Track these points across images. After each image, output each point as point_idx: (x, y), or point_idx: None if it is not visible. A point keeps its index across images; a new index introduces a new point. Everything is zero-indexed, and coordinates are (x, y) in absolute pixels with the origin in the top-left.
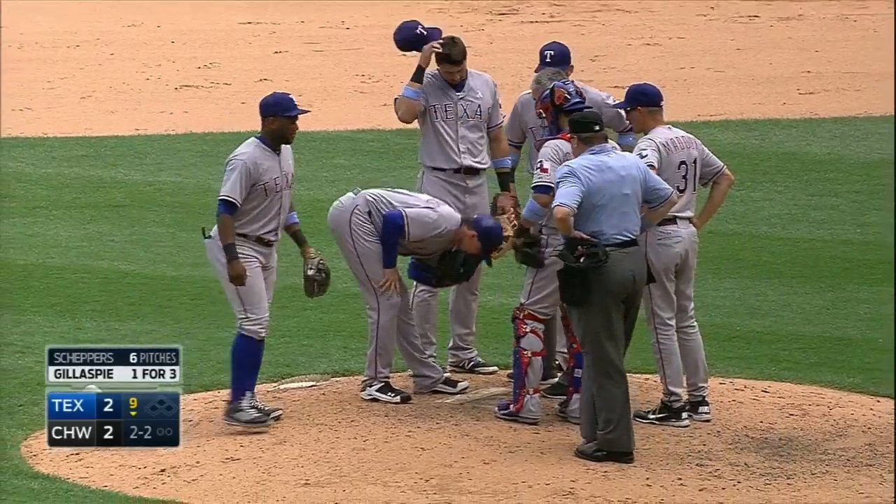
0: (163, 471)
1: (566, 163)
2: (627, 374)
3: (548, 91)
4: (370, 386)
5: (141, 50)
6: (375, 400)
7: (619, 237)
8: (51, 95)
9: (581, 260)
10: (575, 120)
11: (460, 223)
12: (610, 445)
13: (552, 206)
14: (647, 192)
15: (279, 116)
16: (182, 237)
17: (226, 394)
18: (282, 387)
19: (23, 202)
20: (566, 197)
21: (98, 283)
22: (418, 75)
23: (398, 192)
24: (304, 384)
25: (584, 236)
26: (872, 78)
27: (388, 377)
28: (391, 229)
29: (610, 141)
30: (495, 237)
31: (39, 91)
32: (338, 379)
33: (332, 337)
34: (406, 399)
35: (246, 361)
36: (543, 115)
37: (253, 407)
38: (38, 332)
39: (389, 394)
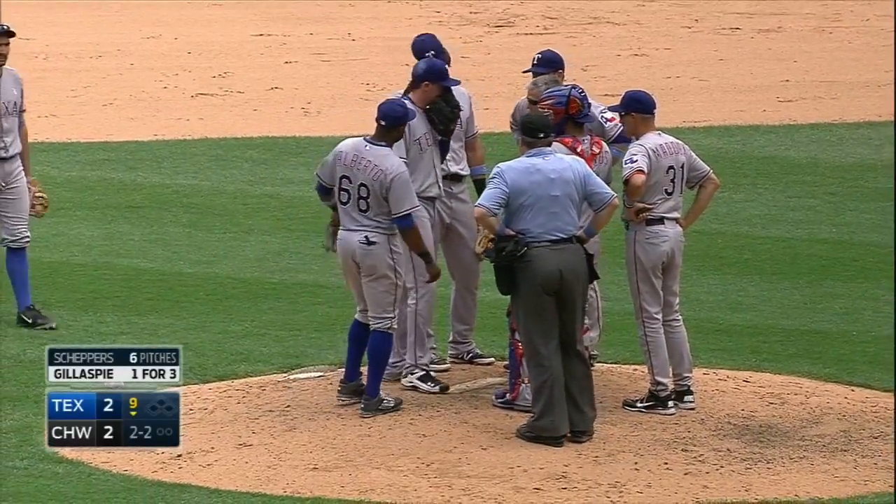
0: (179, 456)
1: (498, 164)
2: (616, 366)
3: (564, 97)
4: (411, 374)
5: (159, 60)
6: (415, 388)
7: (547, 236)
8: (74, 103)
9: (496, 255)
10: (524, 123)
11: (409, 100)
12: (538, 430)
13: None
14: (588, 196)
15: (404, 125)
16: (197, 236)
17: (239, 384)
18: (291, 377)
19: (48, 203)
20: (485, 198)
21: (119, 280)
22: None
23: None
24: (312, 374)
25: (510, 233)
26: (847, 86)
27: (426, 365)
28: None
29: (559, 143)
30: (434, 65)
31: (64, 99)
32: (344, 368)
33: (339, 330)
34: (445, 389)
35: (386, 358)
36: (550, 114)
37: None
38: (63, 326)
39: (430, 383)
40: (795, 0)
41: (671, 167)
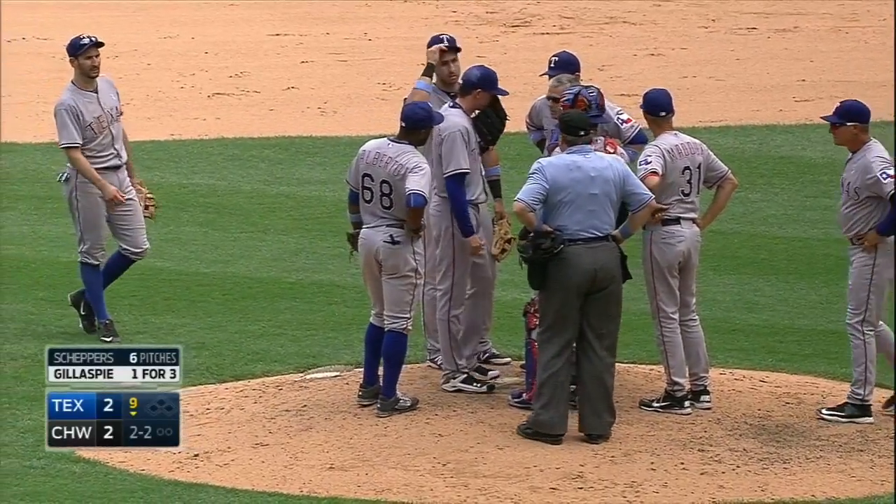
0: (196, 456)
1: (539, 160)
2: (632, 366)
3: (572, 95)
4: (453, 378)
5: (176, 60)
6: (460, 391)
7: (583, 233)
8: None
9: (533, 251)
10: (565, 121)
11: (459, 107)
12: (539, 426)
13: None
14: (626, 196)
15: (426, 128)
16: (214, 236)
17: (255, 383)
18: (308, 376)
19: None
20: (525, 193)
21: (135, 279)
22: (428, 71)
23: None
24: (329, 374)
25: (548, 229)
26: (863, 86)
27: (467, 368)
28: (456, 192)
29: (598, 142)
30: (488, 74)
31: None
32: (360, 369)
33: (355, 330)
34: (491, 388)
35: (401, 359)
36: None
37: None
38: (78, 325)
39: (475, 384)
40: (812, 0)
41: (687, 168)
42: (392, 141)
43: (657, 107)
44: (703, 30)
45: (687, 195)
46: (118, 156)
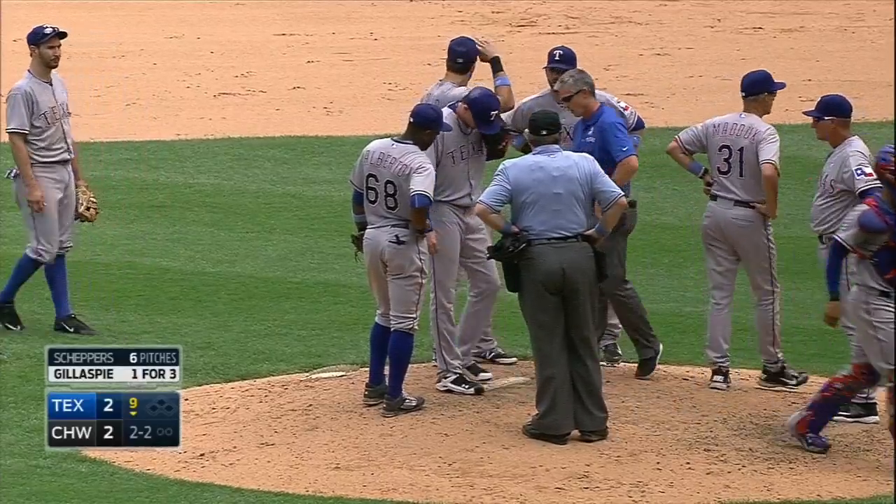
0: (202, 455)
1: (504, 162)
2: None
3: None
4: (444, 378)
5: (182, 60)
6: (450, 391)
7: (549, 233)
8: (97, 103)
9: (495, 251)
10: (531, 120)
11: (452, 111)
12: (542, 428)
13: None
14: (595, 194)
15: (433, 129)
16: (220, 235)
17: (261, 383)
18: (313, 376)
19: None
20: (486, 195)
21: (141, 279)
22: (500, 65)
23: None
24: (334, 374)
25: (515, 230)
26: (870, 86)
27: (459, 369)
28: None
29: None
30: (483, 101)
31: (87, 99)
32: (366, 369)
33: (360, 329)
34: (480, 391)
35: (407, 358)
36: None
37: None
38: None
39: (464, 385)
40: (818, 0)
41: (725, 146)
42: (396, 141)
43: (743, 86)
44: (709, 29)
45: (724, 174)
46: (68, 150)
